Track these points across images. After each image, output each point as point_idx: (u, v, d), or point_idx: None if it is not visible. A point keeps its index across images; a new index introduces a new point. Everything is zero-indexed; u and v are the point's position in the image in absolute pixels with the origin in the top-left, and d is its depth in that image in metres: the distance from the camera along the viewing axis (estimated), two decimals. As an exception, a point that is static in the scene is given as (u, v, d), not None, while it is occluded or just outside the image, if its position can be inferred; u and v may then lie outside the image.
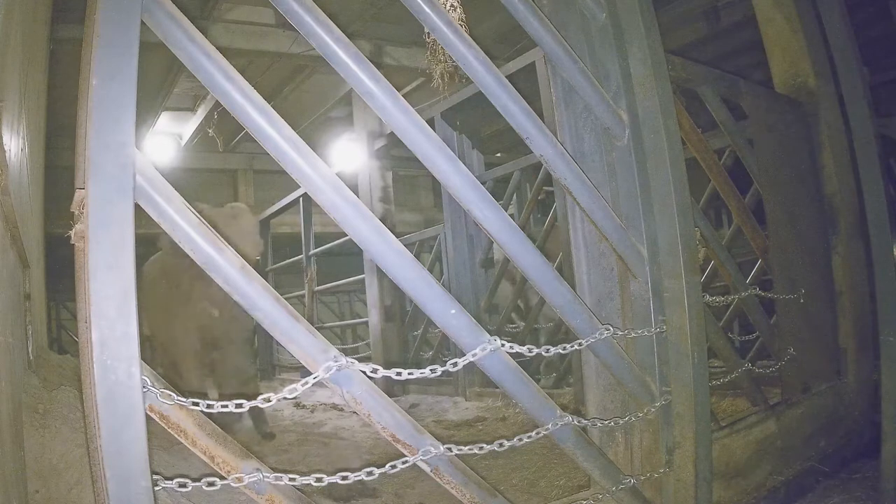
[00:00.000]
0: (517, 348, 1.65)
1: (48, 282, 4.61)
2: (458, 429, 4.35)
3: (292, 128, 1.39)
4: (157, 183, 1.25)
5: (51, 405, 2.43)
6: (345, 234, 1.46)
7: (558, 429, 1.69)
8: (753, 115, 3.04)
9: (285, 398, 1.37)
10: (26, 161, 2.85)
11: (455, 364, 1.56)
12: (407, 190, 12.19)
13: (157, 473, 1.21)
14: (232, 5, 5.86)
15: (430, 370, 1.57)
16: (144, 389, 1.19)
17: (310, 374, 1.38)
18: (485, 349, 1.56)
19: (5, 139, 1.80)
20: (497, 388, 1.95)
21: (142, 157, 1.23)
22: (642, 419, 2.01)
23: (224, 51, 1.36)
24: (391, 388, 5.67)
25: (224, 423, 3.30)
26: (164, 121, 9.10)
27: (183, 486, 1.28)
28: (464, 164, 1.63)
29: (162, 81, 7.17)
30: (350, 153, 7.51)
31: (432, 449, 1.48)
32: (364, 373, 1.44)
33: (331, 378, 1.37)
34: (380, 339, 6.39)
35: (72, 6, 4.51)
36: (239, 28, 5.99)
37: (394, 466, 1.48)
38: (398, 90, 1.56)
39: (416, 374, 1.56)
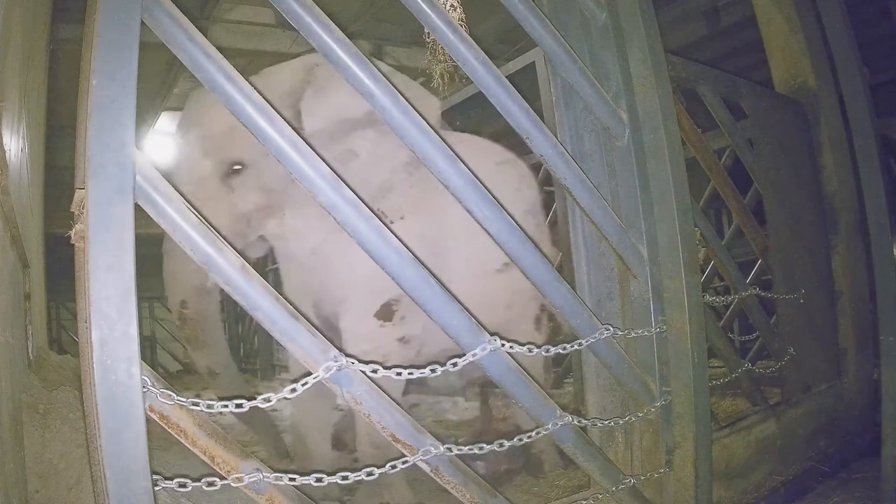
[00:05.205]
0: (517, 348, 1.65)
1: (48, 282, 4.60)
2: (458, 429, 4.34)
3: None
4: (157, 183, 1.25)
5: (51, 405, 2.43)
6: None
7: (558, 429, 1.69)
8: (753, 115, 3.04)
9: (285, 398, 1.37)
10: (26, 161, 2.85)
11: (455, 364, 1.56)
12: (407, 190, 12.13)
13: (157, 473, 1.21)
14: (232, 5, 5.86)
15: (430, 370, 1.57)
16: (144, 389, 1.19)
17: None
18: (485, 349, 1.55)
19: (5, 139, 1.80)
20: (497, 387, 1.95)
21: (142, 157, 1.23)
22: (642, 419, 2.01)
23: (224, 51, 1.36)
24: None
25: None
26: (164, 121, 9.09)
27: (183, 486, 1.27)
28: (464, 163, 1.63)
29: (162, 81, 7.15)
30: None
31: (432, 449, 1.48)
32: (364, 372, 1.44)
33: (331, 378, 1.37)
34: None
35: (72, 6, 4.50)
36: (239, 28, 5.99)
37: (394, 466, 1.48)
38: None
39: (416, 373, 1.56)
